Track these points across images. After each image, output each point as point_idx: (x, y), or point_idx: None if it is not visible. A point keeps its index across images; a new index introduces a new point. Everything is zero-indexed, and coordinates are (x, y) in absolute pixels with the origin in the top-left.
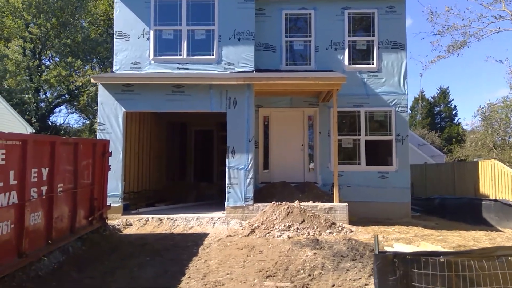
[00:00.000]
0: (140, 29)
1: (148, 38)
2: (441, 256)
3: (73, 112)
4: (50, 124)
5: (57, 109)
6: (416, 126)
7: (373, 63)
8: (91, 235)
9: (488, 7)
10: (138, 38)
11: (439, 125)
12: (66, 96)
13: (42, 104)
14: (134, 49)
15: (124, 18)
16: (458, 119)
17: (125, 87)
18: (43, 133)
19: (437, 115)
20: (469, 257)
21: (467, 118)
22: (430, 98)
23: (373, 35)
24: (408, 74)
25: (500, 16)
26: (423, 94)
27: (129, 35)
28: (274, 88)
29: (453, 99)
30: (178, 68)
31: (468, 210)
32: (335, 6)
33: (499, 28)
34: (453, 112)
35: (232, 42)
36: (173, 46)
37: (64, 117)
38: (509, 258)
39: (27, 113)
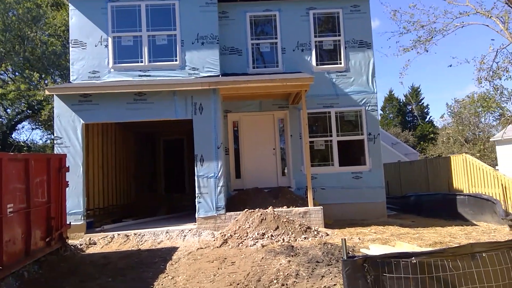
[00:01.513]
0: (97, 36)
1: (107, 46)
2: (413, 258)
3: (36, 128)
4: (12, 141)
5: (19, 126)
6: (388, 126)
7: (340, 63)
8: (50, 257)
9: (452, 2)
10: (96, 46)
11: (411, 124)
12: (28, 111)
13: (2, 119)
14: (91, 57)
15: (79, 26)
16: (430, 117)
17: (82, 97)
18: (6, 151)
19: (408, 113)
20: (441, 256)
21: (438, 116)
22: (401, 97)
23: (339, 35)
24: (376, 72)
25: (465, 11)
26: (392, 93)
27: (85, 43)
28: (241, 92)
29: (424, 97)
30: (140, 76)
31: (443, 206)
32: (299, 6)
33: (463, 22)
34: (425, 110)
35: (195, 47)
36: (134, 52)
37: (28, 133)
38: (483, 255)
39: None
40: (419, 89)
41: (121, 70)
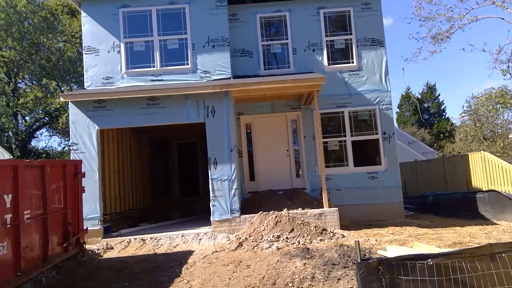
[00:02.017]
0: (109, 42)
1: (119, 51)
2: (429, 259)
3: (54, 135)
4: (31, 148)
5: (38, 133)
6: (405, 124)
7: (353, 62)
8: (68, 262)
9: None
10: (109, 52)
11: (428, 122)
12: (46, 119)
13: (21, 127)
14: (104, 63)
15: (92, 33)
16: (446, 114)
17: (96, 103)
18: (23, 158)
19: (425, 111)
20: (459, 258)
21: (456, 112)
22: (417, 94)
23: (351, 34)
24: (389, 70)
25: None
26: (409, 91)
27: (98, 49)
28: (253, 94)
29: (439, 94)
30: (152, 80)
31: (462, 205)
32: (310, 6)
33: (477, 16)
34: (442, 108)
35: (206, 50)
36: (146, 57)
37: (46, 140)
38: (503, 256)
39: (5, 139)
40: (434, 86)
41: (134, 75)
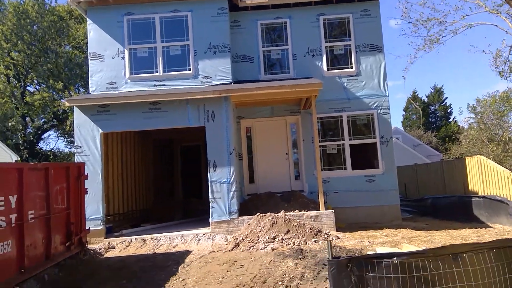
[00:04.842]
0: (114, 49)
1: (123, 57)
2: (395, 258)
3: (61, 137)
4: (39, 150)
5: (46, 135)
6: (411, 127)
7: (351, 67)
8: (70, 260)
9: None
10: (113, 58)
11: (434, 125)
12: (54, 121)
13: (29, 129)
14: (109, 69)
15: (97, 39)
16: (454, 117)
17: (101, 108)
18: (31, 159)
19: (431, 114)
20: (422, 257)
21: (462, 116)
22: (424, 97)
23: (350, 40)
24: (393, 73)
25: (475, 8)
26: (416, 94)
27: (103, 55)
28: (252, 99)
29: (447, 98)
30: (155, 85)
31: (459, 208)
32: (309, 13)
33: (471, 23)
34: (448, 111)
35: (208, 56)
36: (149, 63)
37: (54, 142)
38: (464, 255)
39: (13, 140)
40: (441, 89)
41: (137, 80)
